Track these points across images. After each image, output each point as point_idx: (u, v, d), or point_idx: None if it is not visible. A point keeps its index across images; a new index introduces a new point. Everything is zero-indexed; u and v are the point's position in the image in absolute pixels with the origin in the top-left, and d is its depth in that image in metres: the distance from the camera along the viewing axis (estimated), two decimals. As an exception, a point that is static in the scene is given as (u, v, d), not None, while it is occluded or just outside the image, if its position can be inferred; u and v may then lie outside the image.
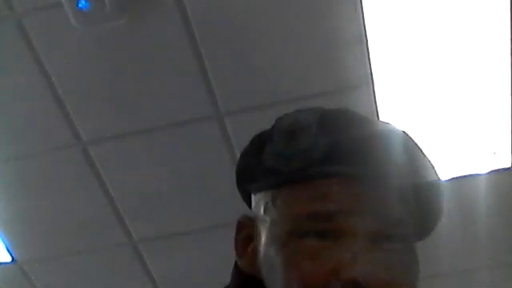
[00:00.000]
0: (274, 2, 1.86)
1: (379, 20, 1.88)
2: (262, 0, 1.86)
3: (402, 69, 2.00)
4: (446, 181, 2.31)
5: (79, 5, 1.73)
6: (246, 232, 0.72)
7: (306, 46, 1.95)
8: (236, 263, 0.73)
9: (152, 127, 2.16)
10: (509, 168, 2.27)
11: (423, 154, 0.72)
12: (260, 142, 0.72)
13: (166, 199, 2.37)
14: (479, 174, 2.28)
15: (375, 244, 0.64)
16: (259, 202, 0.71)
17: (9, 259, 2.57)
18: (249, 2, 1.86)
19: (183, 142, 2.20)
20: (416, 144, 0.72)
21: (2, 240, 2.50)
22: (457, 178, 2.29)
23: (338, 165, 0.65)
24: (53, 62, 1.98)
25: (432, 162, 0.73)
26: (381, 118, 2.12)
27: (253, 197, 0.73)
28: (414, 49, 1.94)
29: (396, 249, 0.66)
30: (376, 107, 2.09)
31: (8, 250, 2.54)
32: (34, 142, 2.19)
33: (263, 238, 0.69)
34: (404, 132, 0.71)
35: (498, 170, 2.27)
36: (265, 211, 0.69)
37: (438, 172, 0.74)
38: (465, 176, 2.29)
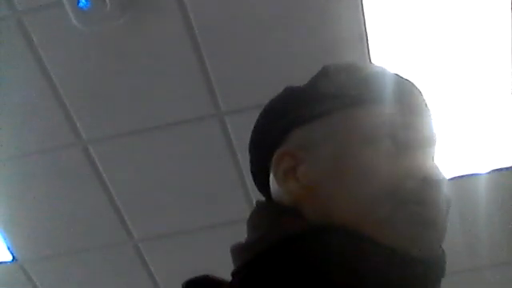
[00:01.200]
0: (274, 2, 1.86)
1: (380, 19, 1.88)
2: (262, 1, 1.86)
3: (403, 69, 2.00)
4: (448, 180, 2.31)
5: (80, 4, 1.73)
6: (286, 165, 0.75)
7: (307, 46, 1.95)
8: (263, 204, 0.76)
9: (153, 126, 2.16)
10: (510, 167, 2.27)
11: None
12: (305, 86, 0.85)
13: (167, 198, 2.37)
14: (481, 174, 2.28)
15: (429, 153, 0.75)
16: (314, 129, 0.74)
17: (10, 258, 2.57)
18: (249, 3, 1.86)
19: (184, 141, 2.20)
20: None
21: (3, 239, 2.51)
22: (458, 177, 2.29)
23: (410, 95, 0.77)
24: (53, 60, 1.98)
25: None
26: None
27: (296, 131, 0.77)
28: (414, 48, 1.94)
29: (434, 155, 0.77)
30: (377, 106, 2.09)
31: (9, 249, 2.54)
32: (35, 140, 2.19)
33: (326, 156, 0.72)
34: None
35: (500, 169, 2.27)
36: (326, 134, 0.73)
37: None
38: (466, 175, 2.28)
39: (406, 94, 0.77)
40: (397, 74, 0.81)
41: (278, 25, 1.91)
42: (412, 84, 0.81)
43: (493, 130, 2.16)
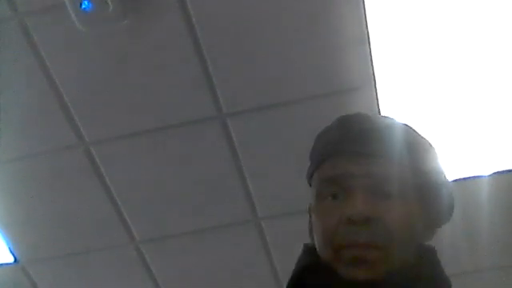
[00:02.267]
0: (276, 3, 1.86)
1: (382, 21, 1.88)
2: (264, 2, 1.86)
3: (405, 70, 1.99)
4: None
5: (82, 6, 1.74)
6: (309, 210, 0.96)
7: (309, 47, 1.95)
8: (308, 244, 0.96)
9: (154, 128, 2.16)
10: (512, 169, 2.27)
11: (422, 144, 0.96)
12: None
13: (169, 200, 2.37)
14: (483, 176, 2.28)
15: (375, 196, 0.86)
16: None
17: (11, 260, 2.57)
18: (251, 3, 1.86)
19: (186, 142, 2.20)
20: (416, 134, 0.97)
21: (5, 240, 2.51)
22: (460, 179, 2.29)
23: (346, 145, 0.89)
24: (55, 62, 1.99)
25: (432, 152, 0.97)
26: (383, 119, 2.11)
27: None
28: (416, 50, 1.94)
29: (392, 202, 0.86)
30: (378, 108, 2.09)
31: (10, 251, 2.54)
32: (37, 142, 2.20)
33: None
34: (406, 125, 0.96)
35: (503, 171, 2.27)
36: (312, 192, 0.93)
37: (437, 161, 0.97)
38: (468, 178, 2.28)
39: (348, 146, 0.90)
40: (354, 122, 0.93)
41: (279, 27, 1.91)
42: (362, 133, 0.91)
43: (495, 133, 2.16)
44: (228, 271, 2.58)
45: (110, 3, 1.73)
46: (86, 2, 1.73)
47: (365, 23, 1.87)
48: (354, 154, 0.87)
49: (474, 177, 2.28)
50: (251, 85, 2.04)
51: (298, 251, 0.95)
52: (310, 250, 0.92)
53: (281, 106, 2.08)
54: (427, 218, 0.91)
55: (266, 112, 2.10)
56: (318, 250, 0.89)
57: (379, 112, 2.09)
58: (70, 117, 2.12)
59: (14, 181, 2.31)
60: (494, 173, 2.27)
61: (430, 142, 0.98)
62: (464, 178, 2.28)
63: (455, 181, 2.29)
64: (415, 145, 0.93)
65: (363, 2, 1.83)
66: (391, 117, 0.97)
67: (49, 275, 2.64)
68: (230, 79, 2.03)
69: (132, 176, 2.31)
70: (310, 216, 0.94)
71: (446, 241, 2.49)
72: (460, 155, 2.22)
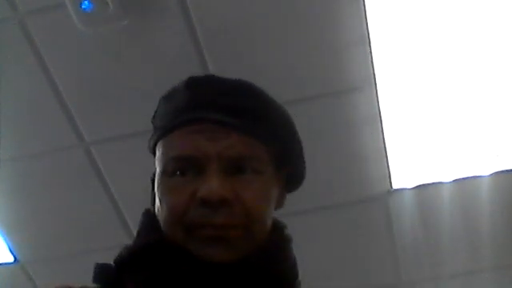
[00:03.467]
0: (276, 4, 1.86)
1: (382, 21, 1.88)
2: (264, 2, 1.86)
3: (405, 70, 1.99)
4: (450, 182, 2.31)
5: (82, 6, 1.73)
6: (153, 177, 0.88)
7: (309, 48, 1.95)
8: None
9: (155, 128, 2.16)
10: (512, 170, 2.27)
11: (276, 109, 0.88)
12: (154, 113, 0.90)
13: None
14: (482, 176, 2.28)
15: (230, 175, 0.78)
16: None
17: (11, 259, 2.57)
18: (251, 3, 1.86)
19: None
20: (269, 99, 0.89)
21: (5, 240, 2.51)
22: (460, 179, 2.29)
23: (197, 112, 0.81)
24: (56, 62, 1.99)
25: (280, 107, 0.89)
26: (384, 119, 2.11)
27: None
28: (416, 50, 1.94)
29: (248, 178, 0.79)
30: (379, 108, 2.08)
31: (10, 251, 2.54)
32: (37, 142, 2.19)
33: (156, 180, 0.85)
34: (257, 87, 0.88)
35: (501, 171, 2.27)
36: (156, 162, 0.85)
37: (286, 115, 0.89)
38: (468, 178, 2.28)
39: (195, 114, 0.82)
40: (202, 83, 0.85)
41: (279, 27, 1.91)
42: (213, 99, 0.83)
43: (495, 133, 2.16)
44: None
45: (110, 3, 1.73)
46: (86, 2, 1.72)
47: (365, 23, 1.87)
48: (205, 124, 0.79)
49: (474, 177, 2.28)
50: (251, 85, 2.04)
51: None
52: (152, 222, 0.85)
53: (281, 106, 2.08)
54: (282, 187, 0.86)
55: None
56: (163, 227, 0.81)
57: (380, 112, 2.09)
58: (70, 117, 2.12)
59: (14, 181, 2.31)
60: (494, 173, 2.27)
61: (279, 103, 0.89)
62: (464, 178, 2.28)
63: (455, 181, 2.29)
64: (274, 113, 0.86)
65: (364, 2, 1.83)
66: (242, 78, 0.87)
67: (48, 275, 2.64)
68: (231, 79, 2.03)
69: (132, 176, 2.31)
70: (153, 186, 0.86)
71: (445, 240, 2.49)
72: (460, 155, 2.22)
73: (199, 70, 2.00)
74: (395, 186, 2.31)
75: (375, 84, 2.02)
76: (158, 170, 0.84)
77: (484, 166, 2.25)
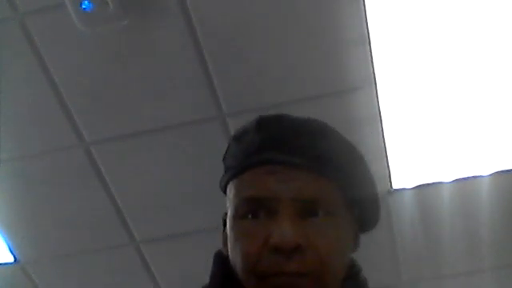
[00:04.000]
0: (276, 4, 1.86)
1: (382, 21, 1.88)
2: (264, 2, 1.86)
3: (405, 70, 1.99)
4: (450, 182, 2.31)
5: (82, 6, 1.73)
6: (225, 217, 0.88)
7: (309, 47, 1.95)
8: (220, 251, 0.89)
9: (154, 128, 2.16)
10: (512, 169, 2.27)
11: (353, 152, 0.85)
12: (225, 152, 0.90)
13: (169, 200, 2.37)
14: (482, 176, 2.28)
15: (302, 218, 0.77)
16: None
17: (11, 259, 2.57)
18: (251, 3, 1.86)
19: (186, 142, 2.20)
20: (346, 142, 0.85)
21: (5, 240, 2.51)
22: (460, 179, 2.29)
23: (269, 153, 0.80)
24: (55, 62, 1.99)
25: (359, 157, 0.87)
26: (384, 119, 2.11)
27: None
28: (417, 50, 1.94)
29: (320, 222, 0.78)
30: (379, 108, 2.08)
31: (10, 250, 2.54)
32: (37, 142, 2.19)
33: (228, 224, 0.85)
34: (334, 130, 0.86)
35: (502, 171, 2.27)
36: (227, 202, 0.85)
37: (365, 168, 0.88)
38: (468, 178, 2.28)
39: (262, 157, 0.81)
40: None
41: (279, 27, 1.91)
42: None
43: (496, 132, 2.16)
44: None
45: (110, 3, 1.73)
46: (86, 2, 1.72)
47: (365, 23, 1.87)
48: (276, 165, 0.78)
49: (474, 177, 2.28)
50: (251, 85, 2.04)
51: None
52: (225, 267, 0.83)
53: (281, 105, 2.08)
54: (356, 228, 0.85)
55: (266, 112, 2.09)
56: (237, 272, 0.80)
57: (380, 112, 2.09)
58: (70, 117, 2.12)
59: (13, 181, 2.31)
60: (494, 173, 2.27)
61: (359, 149, 0.87)
62: (464, 178, 2.28)
63: (455, 180, 2.29)
64: (346, 154, 0.84)
65: (364, 2, 1.83)
66: (317, 119, 0.85)
67: (49, 275, 2.64)
68: (230, 79, 2.03)
69: (132, 176, 2.31)
70: (225, 226, 0.86)
71: (446, 240, 2.49)
72: (460, 155, 2.22)
73: (199, 69, 2.00)
74: (395, 185, 2.31)
75: (375, 84, 2.02)
76: (229, 211, 0.83)
77: (484, 165, 2.25)
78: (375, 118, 2.10)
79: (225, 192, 0.86)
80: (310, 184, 0.78)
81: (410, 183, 2.31)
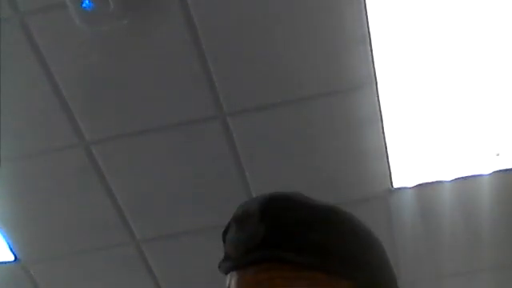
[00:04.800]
0: (277, 3, 1.86)
1: (383, 20, 1.87)
2: (264, 2, 1.86)
3: (406, 69, 1.99)
4: (450, 181, 2.31)
5: (83, 5, 1.73)
6: None
7: (309, 46, 1.95)
8: None
9: (155, 127, 2.16)
10: (512, 169, 2.27)
11: (366, 241, 0.77)
12: (225, 229, 0.81)
13: (169, 199, 2.37)
14: (483, 175, 2.28)
15: None
16: (226, 285, 0.79)
17: (12, 258, 2.57)
18: (251, 4, 1.86)
19: (186, 142, 2.20)
20: (359, 227, 0.77)
21: (5, 239, 2.51)
22: (460, 178, 2.29)
23: (274, 249, 0.71)
24: (56, 61, 1.99)
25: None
26: (384, 119, 2.11)
27: None
28: (417, 49, 1.94)
29: None
30: (379, 107, 2.08)
31: (11, 249, 2.54)
32: (38, 141, 2.19)
33: None
34: (339, 214, 0.76)
35: (502, 170, 2.27)
36: None
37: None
38: (468, 176, 2.28)
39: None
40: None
41: (280, 26, 1.91)
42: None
43: (496, 131, 2.16)
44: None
45: (110, 2, 1.73)
46: (86, 1, 1.72)
47: (366, 23, 1.87)
48: (284, 265, 0.71)
49: (475, 176, 2.28)
50: (252, 84, 2.04)
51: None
52: None
53: (282, 105, 2.08)
54: None
55: (266, 111, 2.10)
56: None
57: (380, 111, 2.09)
58: (71, 116, 2.12)
59: (14, 180, 2.31)
60: (495, 172, 2.27)
61: (373, 233, 0.79)
62: (464, 177, 2.28)
63: (456, 180, 2.29)
64: (365, 248, 0.75)
65: (364, 2, 1.83)
66: (330, 205, 0.77)
67: (49, 274, 2.64)
68: (231, 78, 2.03)
69: (132, 175, 2.31)
70: None
71: (446, 240, 2.49)
72: (460, 154, 2.22)
73: (199, 69, 2.00)
74: (396, 184, 2.31)
75: (376, 83, 2.02)
76: None
77: (484, 164, 2.25)
78: (376, 118, 2.10)
79: (224, 273, 0.79)
80: (319, 283, 0.70)
81: (410, 182, 2.31)
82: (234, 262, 0.75)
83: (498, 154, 2.22)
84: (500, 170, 2.26)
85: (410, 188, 2.33)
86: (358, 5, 1.83)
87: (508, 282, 2.62)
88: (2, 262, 2.59)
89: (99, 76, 2.02)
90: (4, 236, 2.50)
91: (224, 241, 0.80)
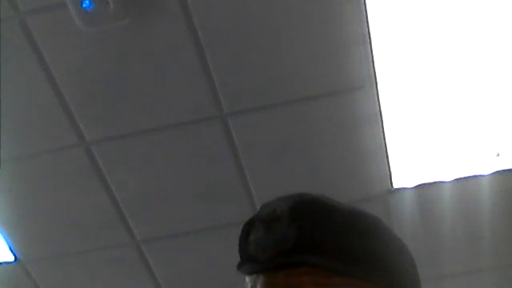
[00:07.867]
0: (276, 4, 1.86)
1: (383, 20, 1.87)
2: (264, 2, 1.86)
3: (406, 69, 1.99)
4: (450, 181, 2.31)
5: (83, 5, 1.73)
6: None
7: (310, 47, 1.95)
8: None
9: (155, 127, 2.16)
10: (513, 169, 2.27)
11: (393, 247, 0.75)
12: (247, 228, 0.78)
13: (169, 199, 2.37)
14: (483, 175, 2.28)
15: None
16: (247, 286, 0.77)
17: (12, 259, 2.57)
18: (252, 4, 1.86)
19: (186, 142, 2.20)
20: (385, 233, 0.76)
21: (5, 239, 2.51)
22: (460, 178, 2.28)
23: (306, 254, 0.70)
24: (56, 61, 1.99)
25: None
26: (384, 119, 2.11)
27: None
28: (417, 49, 1.94)
29: None
30: (379, 108, 2.08)
31: (11, 250, 2.54)
32: (38, 141, 2.19)
33: None
34: (366, 218, 0.76)
35: (502, 171, 2.27)
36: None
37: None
38: (468, 177, 2.28)
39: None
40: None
41: (280, 26, 1.91)
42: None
43: (496, 132, 2.16)
44: (228, 272, 2.57)
45: (110, 2, 1.73)
46: (86, 1, 1.73)
47: (366, 22, 1.87)
48: (315, 269, 0.70)
49: (475, 176, 2.28)
50: (252, 84, 2.04)
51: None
52: None
53: (282, 105, 2.08)
54: None
55: (266, 111, 2.10)
56: None
57: (381, 112, 2.09)
58: (71, 116, 2.12)
59: (14, 180, 2.31)
60: (495, 172, 2.27)
61: (402, 240, 0.78)
62: (465, 178, 2.28)
63: (456, 180, 2.29)
64: (396, 256, 0.75)
65: (364, 2, 1.83)
66: (358, 209, 0.77)
67: (49, 274, 2.64)
68: (231, 78, 2.03)
69: (132, 175, 2.31)
70: None
71: (446, 240, 2.49)
72: (461, 154, 2.22)
73: (200, 69, 2.00)
74: (396, 185, 2.31)
75: (376, 83, 2.02)
76: None
77: (485, 165, 2.25)
78: (376, 118, 2.10)
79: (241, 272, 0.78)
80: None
81: (410, 183, 2.31)
82: (261, 265, 0.73)
83: (498, 154, 2.22)
84: (500, 171, 2.26)
85: (409, 188, 2.33)
86: (358, 5, 1.83)
87: (508, 282, 2.62)
88: (1, 262, 2.59)
89: (99, 76, 2.02)
90: (4, 236, 2.50)
91: (244, 241, 0.77)
